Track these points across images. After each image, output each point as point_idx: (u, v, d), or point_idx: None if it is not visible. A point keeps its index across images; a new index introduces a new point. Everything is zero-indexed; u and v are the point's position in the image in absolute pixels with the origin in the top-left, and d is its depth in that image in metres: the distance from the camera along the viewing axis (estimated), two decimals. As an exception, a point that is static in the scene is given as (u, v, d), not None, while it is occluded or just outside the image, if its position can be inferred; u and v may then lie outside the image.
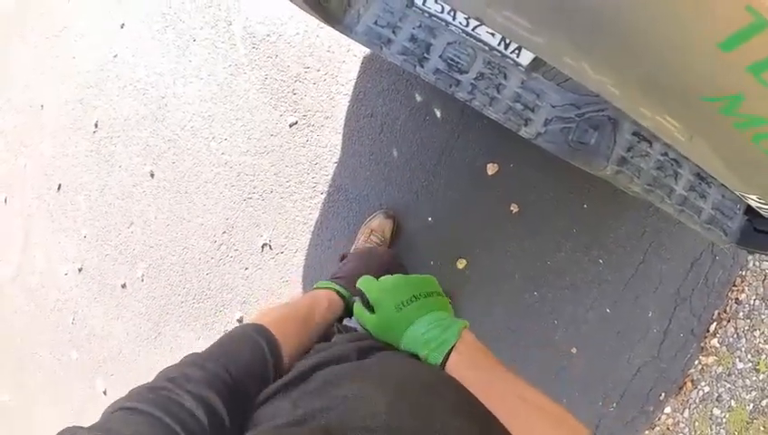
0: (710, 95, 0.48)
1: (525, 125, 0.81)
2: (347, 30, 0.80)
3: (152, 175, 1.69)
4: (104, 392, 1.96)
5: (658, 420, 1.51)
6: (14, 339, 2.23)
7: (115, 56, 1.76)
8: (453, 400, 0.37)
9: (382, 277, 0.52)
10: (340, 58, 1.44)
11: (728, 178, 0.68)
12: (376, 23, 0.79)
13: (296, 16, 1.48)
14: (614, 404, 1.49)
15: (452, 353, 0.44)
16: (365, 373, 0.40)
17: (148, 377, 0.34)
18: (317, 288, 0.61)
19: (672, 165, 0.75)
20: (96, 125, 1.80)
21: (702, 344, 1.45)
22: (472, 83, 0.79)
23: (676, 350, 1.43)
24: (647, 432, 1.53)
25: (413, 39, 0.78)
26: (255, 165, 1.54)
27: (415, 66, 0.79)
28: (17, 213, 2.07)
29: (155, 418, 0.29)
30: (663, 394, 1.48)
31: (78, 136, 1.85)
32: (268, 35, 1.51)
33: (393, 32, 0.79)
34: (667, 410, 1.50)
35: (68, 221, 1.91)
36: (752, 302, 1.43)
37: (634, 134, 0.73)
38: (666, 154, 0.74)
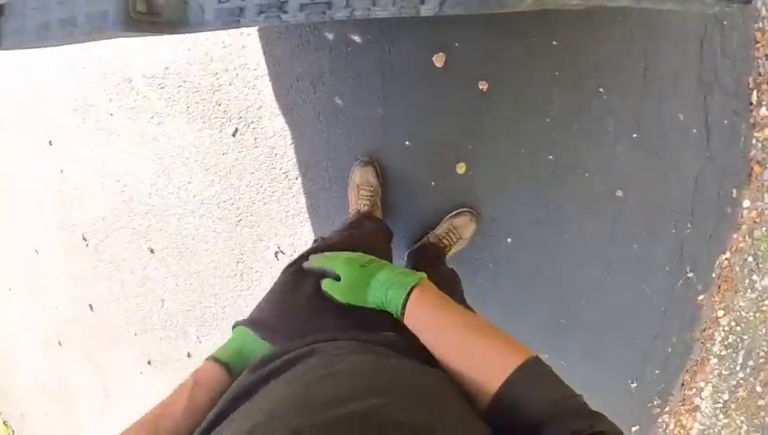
0: None
1: (423, 4, 0.69)
2: (198, 26, 0.72)
3: (152, 251, 1.73)
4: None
5: (741, 217, 1.36)
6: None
7: (62, 171, 1.78)
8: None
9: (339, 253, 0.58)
10: (240, 45, 1.37)
11: None
12: (219, 2, 0.71)
13: (176, 37, 1.40)
14: (688, 224, 1.37)
15: (413, 292, 0.48)
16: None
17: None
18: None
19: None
20: (84, 238, 1.85)
21: (751, 120, 1.29)
22: (343, -4, 0.71)
23: (726, 140, 1.28)
24: (734, 236, 1.39)
25: (260, -8, 0.71)
26: (226, 188, 1.53)
27: (279, 17, 0.72)
28: (69, 357, 2.21)
29: None
30: (734, 190, 1.34)
31: (75, 256, 1.92)
32: (166, 69, 1.45)
33: (239, -2, 0.71)
34: (746, 203, 1.36)
35: (114, 331, 2.02)
36: (782, 48, 1.23)
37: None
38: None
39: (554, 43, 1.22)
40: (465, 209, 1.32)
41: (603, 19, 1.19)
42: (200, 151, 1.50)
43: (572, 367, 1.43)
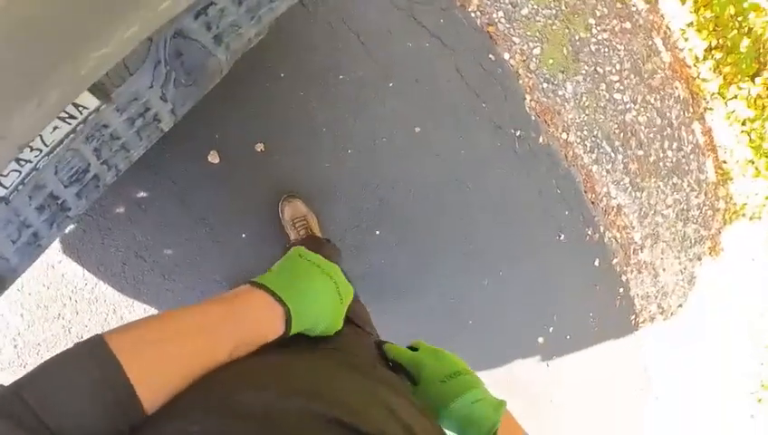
0: None
1: (161, 122, 0.80)
2: (13, 274, 0.76)
3: None
4: None
5: (512, 67, 1.58)
6: None
7: None
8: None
9: (414, 352, 0.51)
10: (58, 275, 1.39)
11: None
12: (14, 242, 0.76)
13: (4, 315, 1.40)
14: (483, 104, 1.54)
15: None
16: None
17: None
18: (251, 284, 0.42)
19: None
20: None
21: (459, 4, 1.55)
22: (101, 163, 0.78)
23: (454, 30, 1.50)
24: (520, 81, 1.58)
25: (40, 208, 0.76)
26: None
27: (68, 217, 0.77)
28: None
29: None
30: (491, 56, 1.57)
31: None
32: (15, 346, 1.42)
33: (27, 227, 0.76)
34: (506, 56, 1.58)
35: None
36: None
37: (197, 17, 0.73)
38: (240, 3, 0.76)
39: (282, 75, 1.40)
40: (284, 198, 1.37)
41: (305, 32, 1.38)
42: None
43: (510, 270, 1.46)
